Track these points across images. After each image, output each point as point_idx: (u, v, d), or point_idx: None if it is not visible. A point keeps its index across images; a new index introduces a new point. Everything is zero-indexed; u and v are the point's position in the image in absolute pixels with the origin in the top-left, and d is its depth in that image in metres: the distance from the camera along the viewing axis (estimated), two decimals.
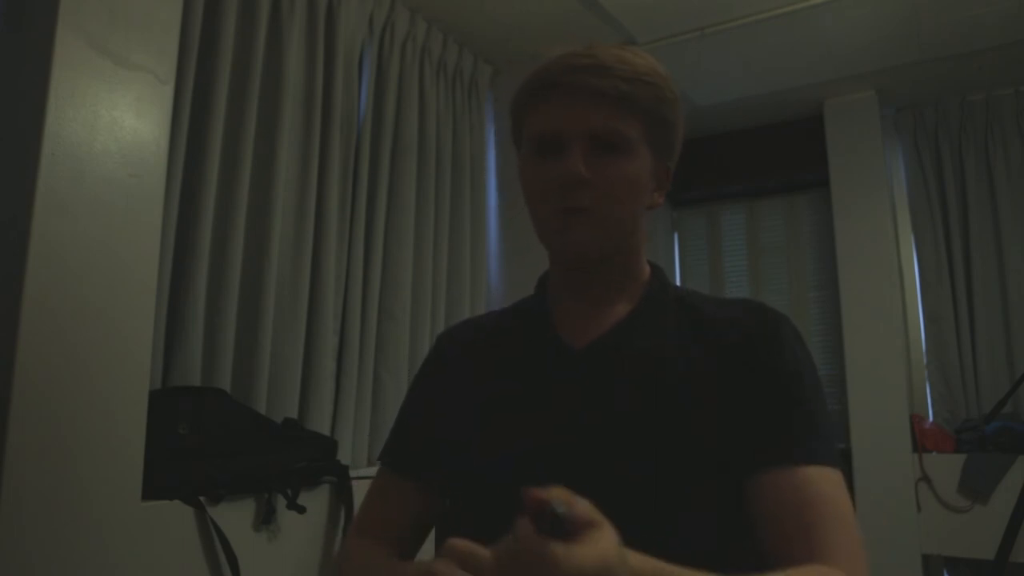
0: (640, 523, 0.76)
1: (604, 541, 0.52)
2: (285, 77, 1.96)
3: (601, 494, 0.77)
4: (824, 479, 0.75)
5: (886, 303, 2.99)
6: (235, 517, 1.52)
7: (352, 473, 1.82)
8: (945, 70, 2.90)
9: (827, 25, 2.54)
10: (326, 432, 1.99)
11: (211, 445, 1.53)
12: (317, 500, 1.72)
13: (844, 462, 2.80)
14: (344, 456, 1.99)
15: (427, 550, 0.91)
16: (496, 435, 0.85)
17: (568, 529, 0.50)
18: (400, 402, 1.02)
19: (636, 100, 0.80)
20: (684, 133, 0.89)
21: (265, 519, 1.58)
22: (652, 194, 0.86)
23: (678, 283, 3.64)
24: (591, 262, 0.85)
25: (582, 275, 0.88)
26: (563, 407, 0.83)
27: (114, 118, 1.30)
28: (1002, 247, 2.94)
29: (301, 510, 1.64)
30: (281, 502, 1.61)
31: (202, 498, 1.46)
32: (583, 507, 0.52)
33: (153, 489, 1.35)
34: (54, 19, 1.21)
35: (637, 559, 0.58)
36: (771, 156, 3.43)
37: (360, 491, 1.80)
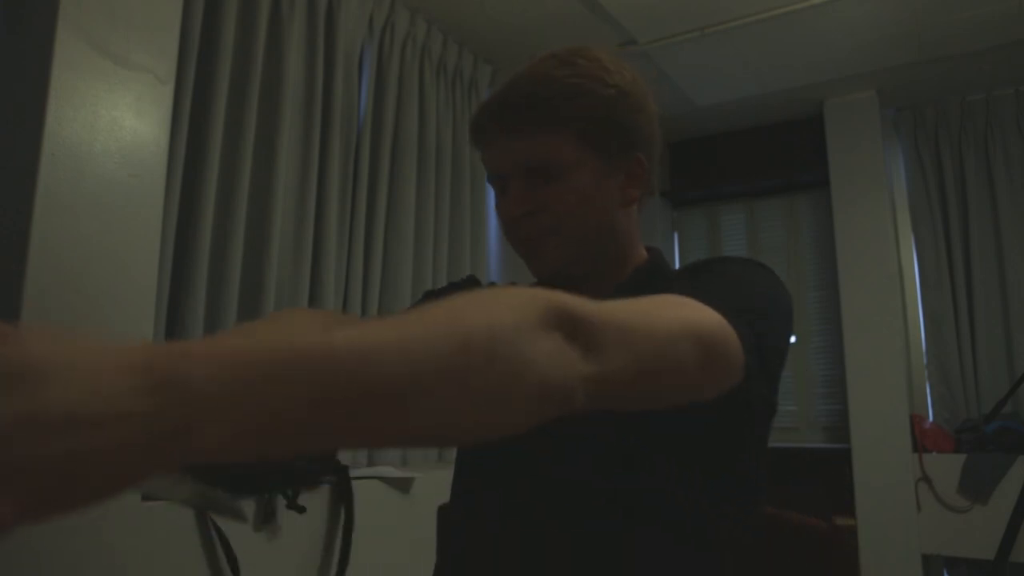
0: (615, 481, 0.75)
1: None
2: (285, 77, 1.96)
3: (577, 457, 0.77)
4: (667, 296, 0.64)
5: (886, 303, 2.99)
6: None
7: (352, 473, 1.82)
8: (945, 70, 2.90)
9: (827, 25, 2.54)
10: None
11: None
12: (317, 500, 1.72)
13: (844, 462, 2.77)
14: (344, 456, 1.99)
15: (429, 547, 0.91)
16: None
17: None
18: None
19: (558, 119, 0.80)
20: (652, 115, 0.87)
21: (265, 519, 1.58)
22: (620, 192, 0.85)
23: None
24: (572, 277, 0.86)
25: (572, 281, 0.88)
26: None
27: (114, 118, 1.30)
28: (1002, 247, 2.94)
29: (301, 510, 1.64)
30: (281, 502, 1.61)
31: None
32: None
33: None
34: (54, 19, 1.21)
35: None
36: (771, 156, 3.43)
37: (360, 491, 1.80)
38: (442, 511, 1.01)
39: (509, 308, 0.47)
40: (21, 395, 0.29)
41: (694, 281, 0.72)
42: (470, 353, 0.43)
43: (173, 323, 1.68)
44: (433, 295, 0.98)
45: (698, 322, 0.61)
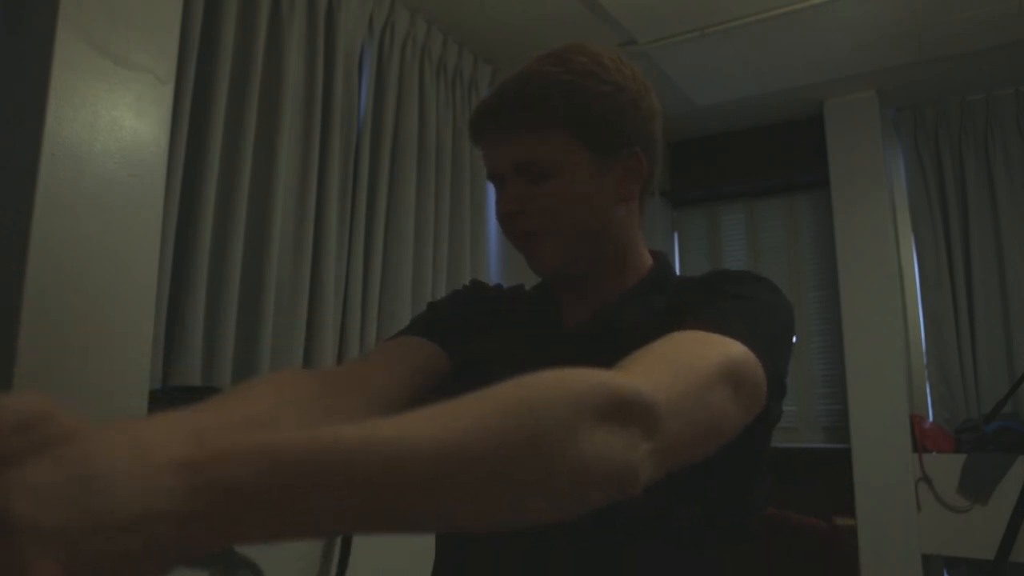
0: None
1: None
2: (285, 77, 1.96)
3: None
4: (695, 335, 0.65)
5: (886, 303, 2.99)
6: None
7: None
8: (945, 70, 2.90)
9: (827, 25, 2.54)
10: None
11: None
12: None
13: (844, 462, 2.76)
14: None
15: (428, 547, 0.91)
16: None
17: None
18: None
19: (551, 118, 0.79)
20: (652, 111, 0.86)
21: None
22: (617, 189, 0.84)
23: None
24: (568, 276, 0.86)
25: (572, 283, 0.88)
26: None
27: (114, 118, 1.30)
28: (1002, 247, 2.94)
29: None
30: None
31: None
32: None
33: None
34: (54, 19, 1.21)
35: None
36: (771, 156, 3.43)
37: None
38: None
39: (562, 403, 0.47)
40: (89, 500, 0.33)
41: (710, 305, 0.73)
42: (514, 451, 0.45)
43: (173, 323, 1.68)
44: (436, 307, 0.97)
45: (730, 362, 0.63)
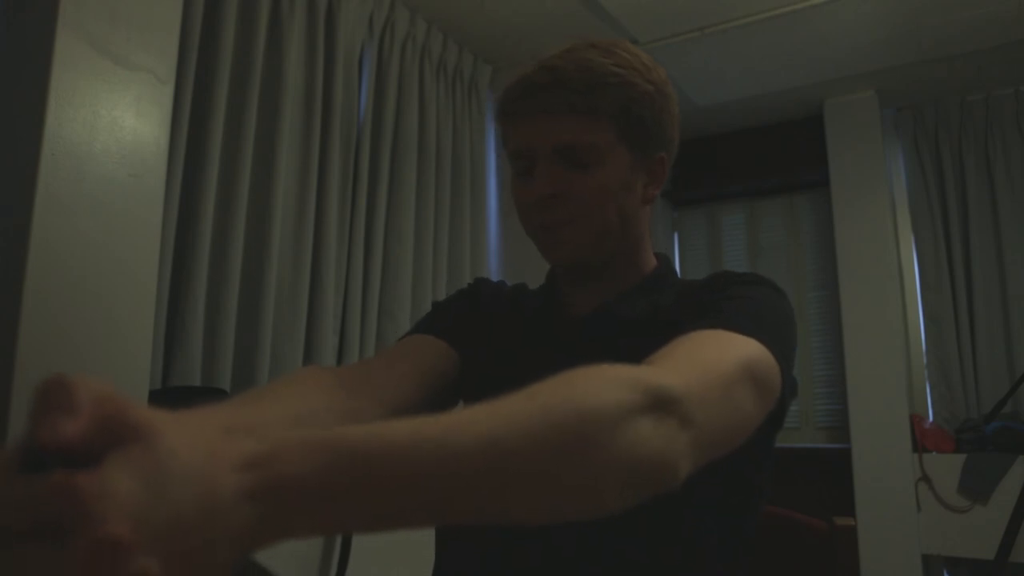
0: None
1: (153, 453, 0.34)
2: (285, 77, 1.96)
3: None
4: (716, 334, 0.67)
5: (886, 303, 2.99)
6: None
7: None
8: (945, 70, 2.90)
9: (827, 25, 2.54)
10: None
11: None
12: None
13: (844, 462, 2.76)
14: None
15: (428, 546, 0.91)
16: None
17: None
18: None
19: (600, 107, 0.78)
20: (678, 117, 0.87)
21: None
22: (642, 189, 0.84)
23: None
24: (582, 267, 0.86)
25: (581, 276, 0.88)
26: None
27: (114, 118, 1.30)
28: (1002, 247, 2.94)
29: None
30: None
31: None
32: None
33: None
34: (54, 19, 1.21)
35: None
36: (771, 156, 3.43)
37: None
38: None
39: (604, 399, 0.48)
40: (165, 503, 0.34)
41: (722, 307, 0.73)
42: (560, 449, 0.45)
43: (173, 323, 1.68)
44: (442, 306, 0.96)
45: (751, 361, 0.64)
